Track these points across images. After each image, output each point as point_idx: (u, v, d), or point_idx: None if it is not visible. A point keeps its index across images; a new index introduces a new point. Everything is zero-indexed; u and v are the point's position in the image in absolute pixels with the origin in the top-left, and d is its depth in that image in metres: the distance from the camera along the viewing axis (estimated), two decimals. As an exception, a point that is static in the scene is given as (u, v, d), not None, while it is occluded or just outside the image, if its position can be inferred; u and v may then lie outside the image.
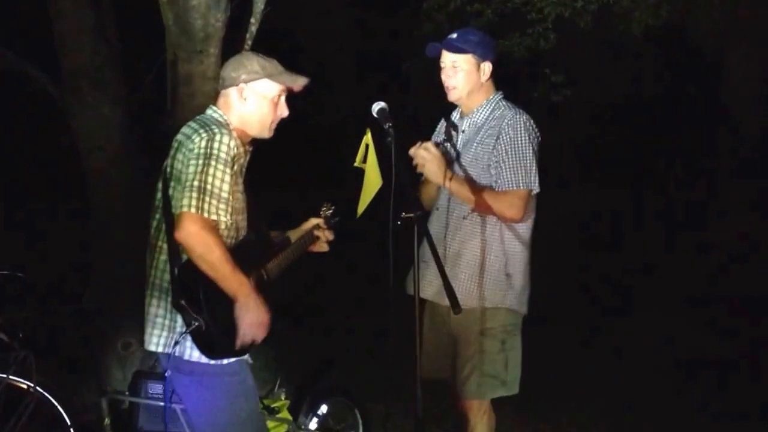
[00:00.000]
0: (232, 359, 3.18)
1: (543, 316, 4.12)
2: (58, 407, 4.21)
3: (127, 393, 4.45)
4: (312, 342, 6.43)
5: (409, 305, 3.23)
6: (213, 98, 4.98)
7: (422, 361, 3.89)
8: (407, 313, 3.23)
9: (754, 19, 7.14)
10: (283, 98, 3.31)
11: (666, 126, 10.94)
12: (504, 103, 3.87)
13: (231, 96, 3.27)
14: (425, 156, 3.74)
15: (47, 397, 4.19)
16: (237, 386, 3.21)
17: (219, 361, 3.15)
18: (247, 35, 5.54)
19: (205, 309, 3.04)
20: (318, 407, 4.65)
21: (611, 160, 11.12)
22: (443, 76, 3.86)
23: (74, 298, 5.29)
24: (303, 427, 4.54)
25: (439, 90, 3.95)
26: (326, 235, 3.63)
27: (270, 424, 4.45)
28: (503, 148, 3.75)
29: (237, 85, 3.25)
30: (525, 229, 3.84)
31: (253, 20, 5.57)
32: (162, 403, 4.34)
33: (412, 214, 3.20)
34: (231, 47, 5.33)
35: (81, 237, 5.43)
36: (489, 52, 3.82)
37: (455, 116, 4.03)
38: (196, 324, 3.04)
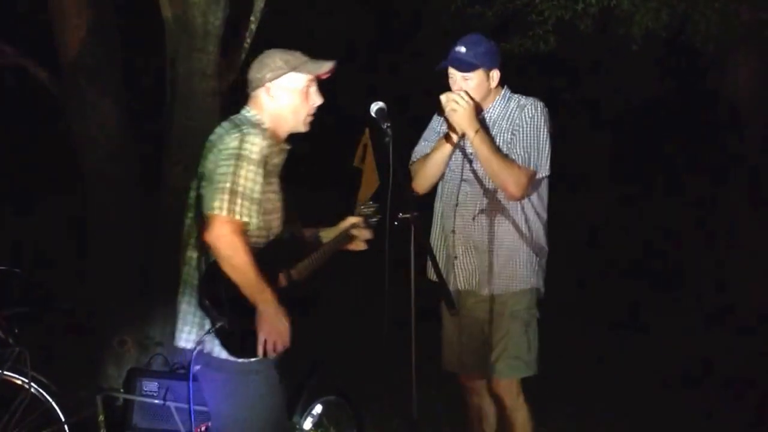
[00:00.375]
0: (259, 358, 3.19)
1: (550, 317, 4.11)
2: (53, 403, 4.22)
3: (121, 390, 4.45)
4: (306, 341, 6.40)
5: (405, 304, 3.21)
6: (213, 97, 5.16)
7: (446, 355, 4.08)
8: (406, 311, 3.20)
9: (755, 22, 7.15)
10: (313, 88, 3.28)
11: (667, 129, 10.95)
12: (516, 95, 3.95)
13: (260, 97, 3.26)
14: (459, 102, 3.75)
15: (42, 393, 4.19)
16: (262, 385, 3.22)
17: (246, 360, 3.17)
18: (247, 33, 5.56)
19: (228, 310, 3.08)
20: (312, 407, 4.64)
21: (612, 163, 11.13)
22: (453, 87, 3.87)
23: (70, 294, 5.29)
24: (297, 427, 4.54)
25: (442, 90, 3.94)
26: (364, 234, 3.52)
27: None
28: (521, 128, 3.83)
29: (263, 85, 3.24)
30: (543, 210, 3.95)
31: (252, 18, 5.58)
32: (156, 401, 4.37)
33: (408, 215, 3.21)
34: (230, 46, 5.36)
35: (78, 233, 5.41)
36: (496, 59, 3.88)
37: None
38: (219, 324, 3.08)
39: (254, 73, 3.27)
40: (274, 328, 3.10)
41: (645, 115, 10.70)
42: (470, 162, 3.89)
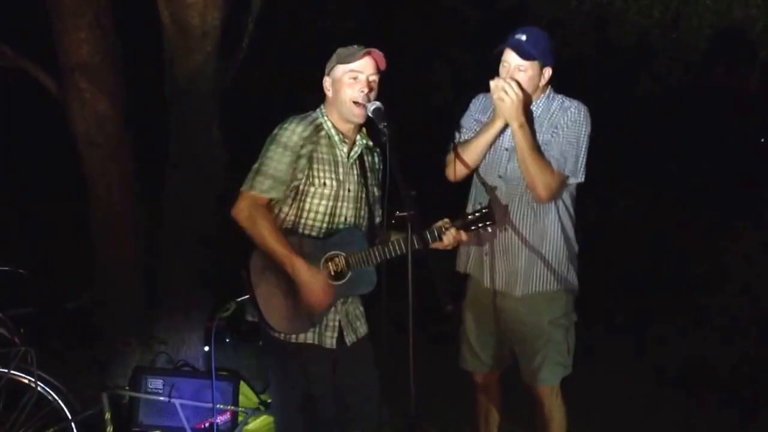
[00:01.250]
0: (298, 339, 3.40)
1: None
2: (59, 402, 4.25)
3: (127, 388, 4.52)
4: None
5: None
6: (212, 97, 5.19)
7: (465, 356, 4.07)
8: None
9: (747, 19, 7.16)
10: (360, 77, 3.39)
11: (665, 125, 10.94)
12: (560, 96, 3.88)
13: (325, 92, 3.50)
14: (509, 91, 3.67)
15: (48, 392, 4.23)
16: (294, 368, 3.40)
17: (286, 338, 3.39)
18: (245, 33, 5.59)
19: (249, 284, 3.35)
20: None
21: (611, 161, 11.09)
22: (503, 73, 3.77)
23: (75, 293, 5.33)
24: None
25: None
26: (455, 235, 3.45)
27: (266, 419, 4.52)
28: (562, 130, 3.77)
29: (324, 79, 3.48)
30: (574, 210, 3.93)
31: (250, 18, 5.61)
32: (162, 398, 4.43)
33: (405, 213, 3.23)
34: (228, 46, 5.39)
35: (81, 233, 5.44)
36: (552, 57, 3.80)
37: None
38: (244, 298, 3.46)
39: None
40: (309, 290, 3.30)
41: (641, 111, 10.69)
42: (508, 158, 3.83)
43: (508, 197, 3.83)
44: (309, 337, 3.44)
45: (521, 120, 3.69)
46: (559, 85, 3.93)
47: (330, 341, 3.47)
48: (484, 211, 3.51)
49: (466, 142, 3.86)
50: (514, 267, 3.85)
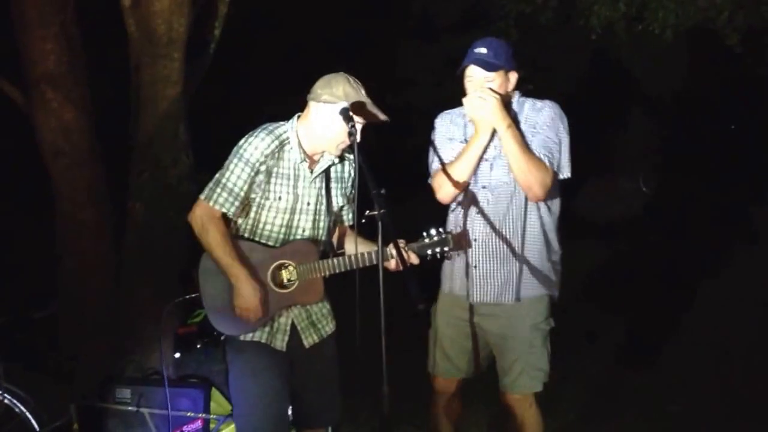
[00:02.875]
0: (247, 338, 3.50)
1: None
2: (27, 413, 4.22)
3: (95, 398, 4.45)
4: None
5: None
6: (178, 103, 5.16)
7: (437, 363, 4.02)
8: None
9: (712, 9, 7.22)
10: (357, 126, 3.35)
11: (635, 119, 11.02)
12: (530, 98, 3.88)
13: (310, 109, 3.48)
14: (486, 97, 3.65)
15: (15, 404, 4.20)
16: (245, 365, 3.49)
17: (238, 337, 3.50)
18: (211, 39, 5.56)
19: (197, 285, 3.49)
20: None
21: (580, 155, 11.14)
22: (471, 88, 3.75)
23: (42, 304, 5.26)
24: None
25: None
26: (406, 257, 3.40)
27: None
28: (541, 129, 3.75)
29: (318, 101, 3.43)
30: (557, 211, 3.90)
31: (216, 24, 5.59)
32: (130, 408, 4.37)
33: (375, 212, 3.21)
34: (195, 52, 5.36)
35: (47, 242, 5.38)
36: (514, 61, 3.80)
37: (464, 122, 3.91)
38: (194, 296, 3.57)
39: (318, 87, 3.45)
40: (244, 300, 3.41)
41: (609, 105, 10.77)
42: (490, 168, 3.80)
43: (495, 206, 3.81)
44: (259, 336, 3.52)
45: (508, 120, 3.67)
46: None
47: (281, 344, 3.55)
48: (443, 236, 3.49)
49: (453, 162, 3.81)
50: (504, 275, 3.82)
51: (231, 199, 3.42)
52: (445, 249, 3.51)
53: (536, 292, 3.85)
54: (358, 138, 3.32)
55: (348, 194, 3.67)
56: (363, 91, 3.43)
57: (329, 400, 3.67)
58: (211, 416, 4.48)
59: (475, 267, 3.83)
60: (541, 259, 3.85)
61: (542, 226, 3.84)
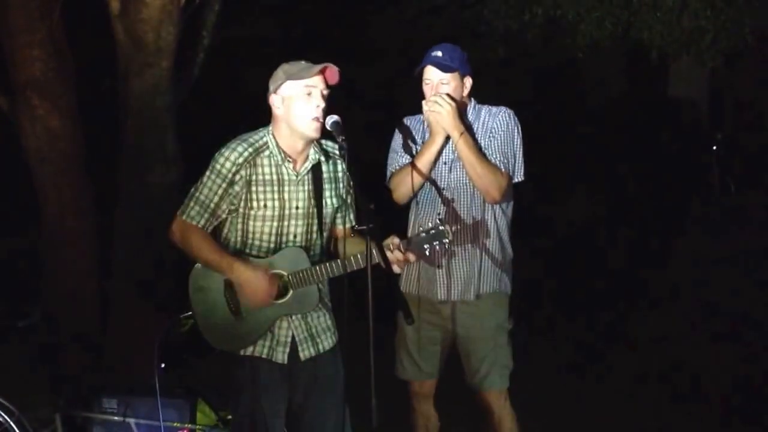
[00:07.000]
0: (246, 352, 3.41)
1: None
2: (11, 423, 4.18)
3: (81, 408, 4.43)
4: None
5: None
6: (167, 111, 5.16)
7: (404, 365, 4.06)
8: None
9: (696, 30, 7.33)
10: (314, 92, 3.33)
11: (617, 133, 11.11)
12: (485, 105, 4.00)
13: (272, 109, 3.42)
14: (442, 104, 3.77)
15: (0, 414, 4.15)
16: (241, 382, 3.41)
17: (237, 352, 3.42)
18: (200, 48, 5.58)
19: (191, 302, 3.42)
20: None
21: (564, 168, 11.25)
22: (428, 91, 3.88)
23: (25, 312, 5.24)
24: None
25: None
26: (401, 256, 3.34)
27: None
28: (497, 134, 3.89)
29: (270, 96, 3.40)
30: (510, 213, 4.02)
31: (205, 33, 5.60)
32: (116, 418, 4.36)
33: (364, 227, 3.22)
34: (184, 60, 5.37)
35: (30, 250, 5.37)
36: (469, 67, 3.95)
37: (423, 127, 4.00)
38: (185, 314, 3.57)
39: (269, 88, 3.43)
40: (249, 288, 3.31)
41: (592, 120, 10.86)
42: (449, 170, 3.90)
43: (455, 206, 3.91)
44: (259, 350, 3.42)
45: (461, 128, 3.80)
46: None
47: (282, 356, 3.44)
48: (440, 228, 3.43)
49: (408, 165, 3.90)
50: (468, 272, 3.92)
51: (201, 211, 3.37)
52: (444, 241, 3.42)
53: (497, 288, 3.96)
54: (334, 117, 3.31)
55: (343, 195, 3.54)
56: (302, 62, 3.40)
57: (331, 421, 3.47)
58: (198, 426, 4.46)
59: (440, 267, 3.90)
60: (498, 258, 3.96)
61: (497, 228, 3.95)
